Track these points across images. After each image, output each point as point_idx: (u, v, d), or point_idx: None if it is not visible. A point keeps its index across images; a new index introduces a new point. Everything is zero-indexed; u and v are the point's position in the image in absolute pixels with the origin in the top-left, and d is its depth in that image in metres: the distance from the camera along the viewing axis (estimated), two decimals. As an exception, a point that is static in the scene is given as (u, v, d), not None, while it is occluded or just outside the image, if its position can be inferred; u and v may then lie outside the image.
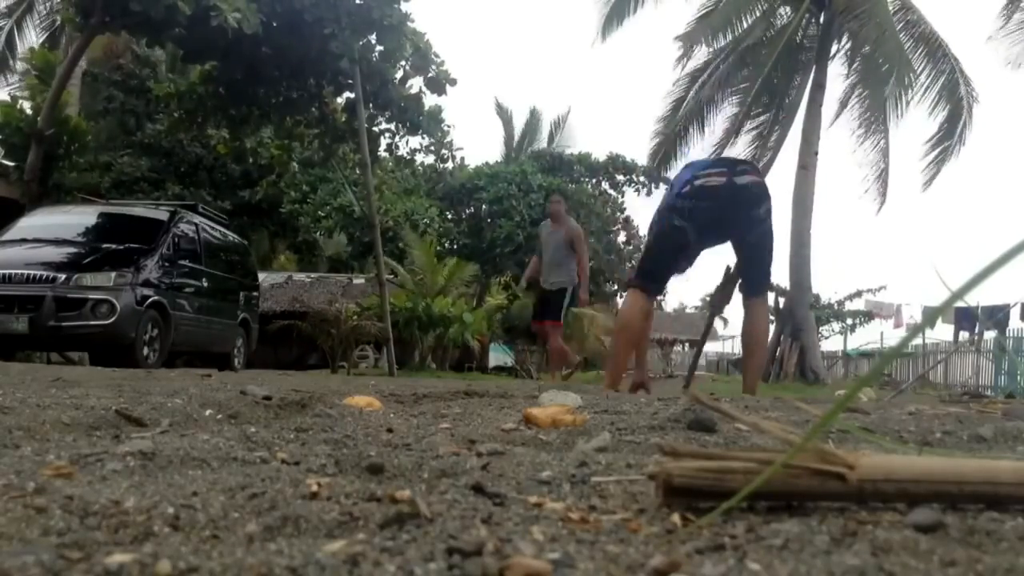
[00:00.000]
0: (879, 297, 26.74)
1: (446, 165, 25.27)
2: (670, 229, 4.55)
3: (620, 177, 25.08)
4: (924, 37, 15.46)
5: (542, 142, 29.09)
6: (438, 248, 20.67)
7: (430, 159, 25.25)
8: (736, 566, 0.68)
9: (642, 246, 27.45)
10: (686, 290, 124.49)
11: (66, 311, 8.02)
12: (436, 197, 22.57)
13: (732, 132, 16.99)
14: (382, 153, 16.13)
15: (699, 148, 17.43)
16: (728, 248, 4.79)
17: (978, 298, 14.66)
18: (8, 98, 16.02)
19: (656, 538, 0.79)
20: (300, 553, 0.69)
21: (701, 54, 16.99)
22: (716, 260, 5.27)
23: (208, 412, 2.03)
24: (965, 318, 15.06)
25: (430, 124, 13.83)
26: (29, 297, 8.02)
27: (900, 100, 15.15)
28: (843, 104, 16.36)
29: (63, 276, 8.18)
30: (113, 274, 8.35)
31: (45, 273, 8.18)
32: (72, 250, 8.78)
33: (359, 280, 21.10)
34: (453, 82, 12.76)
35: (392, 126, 14.22)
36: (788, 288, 16.22)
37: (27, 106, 14.54)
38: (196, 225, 10.20)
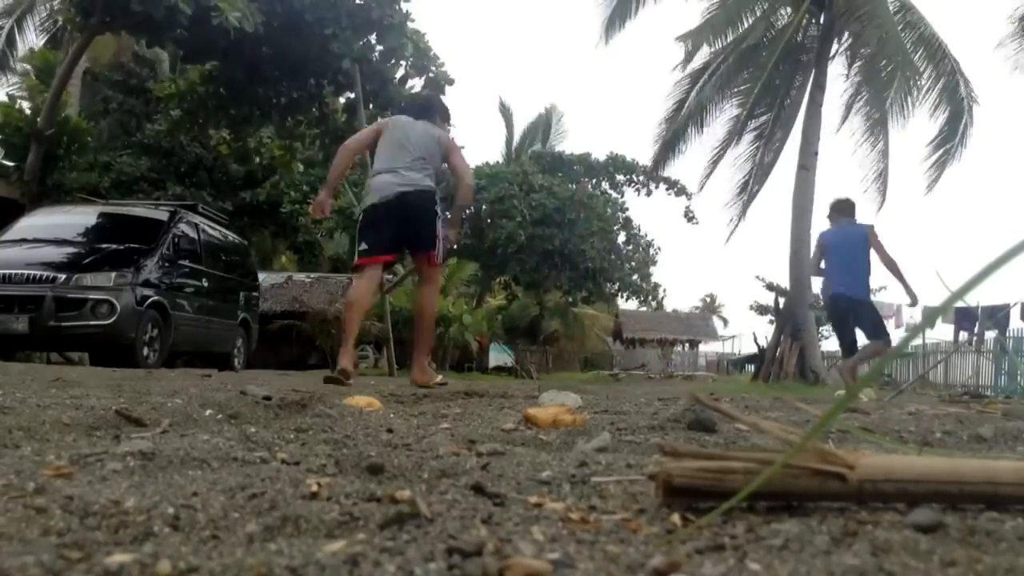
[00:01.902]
0: (879, 297, 26.59)
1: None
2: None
3: (620, 177, 25.08)
4: (925, 39, 15.44)
5: (542, 142, 29.11)
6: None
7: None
8: (736, 566, 0.68)
9: (643, 246, 26.92)
10: (686, 290, 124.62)
11: (66, 311, 8.01)
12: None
13: (735, 133, 16.97)
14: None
15: (698, 148, 17.44)
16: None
17: (978, 298, 14.64)
18: (8, 98, 16.03)
19: (656, 538, 0.79)
20: (300, 553, 0.69)
21: (702, 55, 16.99)
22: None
23: (208, 412, 2.03)
24: (965, 318, 15.05)
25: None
26: (29, 297, 8.01)
27: (905, 101, 15.14)
28: (848, 108, 16.35)
29: (63, 276, 8.18)
30: (113, 274, 8.35)
31: (45, 273, 8.17)
32: (72, 250, 8.77)
33: (359, 280, 21.06)
34: (451, 82, 12.78)
35: (392, 126, 14.21)
36: (788, 288, 16.21)
37: (27, 106, 14.55)
38: (196, 225, 10.20)
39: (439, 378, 4.93)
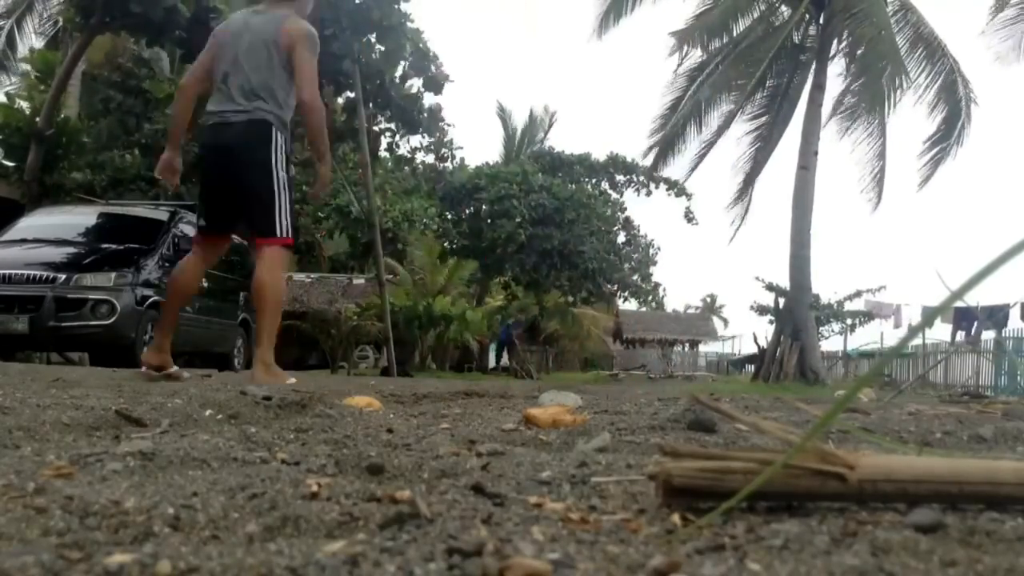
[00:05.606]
0: (879, 297, 26.66)
1: (446, 165, 25.28)
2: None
3: (620, 177, 25.10)
4: (924, 37, 15.44)
5: (542, 142, 29.13)
6: (438, 248, 20.66)
7: (430, 159, 25.28)
8: (736, 566, 0.68)
9: (642, 247, 26.86)
10: (687, 290, 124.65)
11: (66, 311, 8.01)
12: (436, 197, 22.57)
13: (724, 128, 16.99)
14: (382, 153, 16.15)
15: (695, 146, 17.44)
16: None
17: (978, 298, 14.64)
18: (8, 98, 16.01)
19: (656, 538, 0.79)
20: (300, 553, 0.69)
21: (699, 54, 16.98)
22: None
23: (208, 412, 2.03)
24: (964, 318, 15.06)
25: (429, 123, 13.86)
26: (29, 297, 8.01)
27: (889, 100, 15.13)
28: (838, 102, 16.32)
29: (63, 276, 8.17)
30: (113, 274, 8.34)
31: (45, 273, 8.17)
32: (72, 250, 8.77)
33: (359, 280, 21.10)
34: (450, 80, 12.80)
35: (392, 126, 14.25)
36: (788, 288, 16.21)
37: (27, 106, 14.54)
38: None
39: (290, 379, 3.82)
